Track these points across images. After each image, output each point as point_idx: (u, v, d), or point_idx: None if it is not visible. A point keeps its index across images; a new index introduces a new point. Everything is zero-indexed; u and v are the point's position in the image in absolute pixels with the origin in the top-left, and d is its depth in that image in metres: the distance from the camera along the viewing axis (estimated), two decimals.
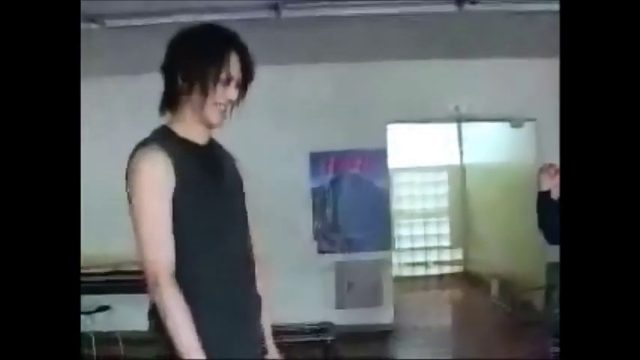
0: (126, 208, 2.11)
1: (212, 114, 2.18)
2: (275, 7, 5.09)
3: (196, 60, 2.14)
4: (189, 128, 2.20)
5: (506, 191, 9.13)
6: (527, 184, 8.01)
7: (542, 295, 7.13)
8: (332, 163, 7.57)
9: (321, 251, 7.60)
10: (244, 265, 2.29)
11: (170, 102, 2.21)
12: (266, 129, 7.36)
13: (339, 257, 7.58)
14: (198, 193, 2.14)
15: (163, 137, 2.17)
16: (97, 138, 6.72)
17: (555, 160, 7.65)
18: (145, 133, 2.22)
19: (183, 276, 2.07)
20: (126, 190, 2.13)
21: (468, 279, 11.15)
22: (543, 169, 4.05)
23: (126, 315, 6.48)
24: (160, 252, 2.05)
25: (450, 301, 10.47)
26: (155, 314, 2.08)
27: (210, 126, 2.22)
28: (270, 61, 6.56)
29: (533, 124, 7.64)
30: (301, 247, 7.47)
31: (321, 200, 7.62)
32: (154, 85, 2.28)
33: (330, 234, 7.62)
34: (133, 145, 2.16)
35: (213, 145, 2.31)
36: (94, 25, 5.09)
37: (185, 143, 2.18)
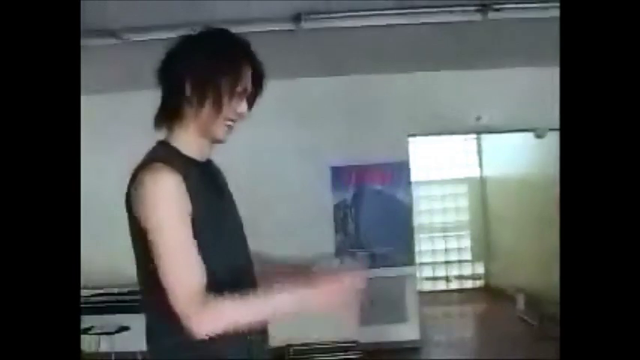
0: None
1: (220, 130, 2.02)
2: (296, 19, 5.01)
3: (211, 70, 1.96)
4: (191, 144, 2.03)
5: (531, 203, 9.02)
6: (552, 194, 7.94)
7: None
8: (354, 177, 7.46)
9: None
10: (251, 280, 2.12)
11: (171, 114, 2.02)
12: (286, 143, 7.29)
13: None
14: (208, 213, 1.97)
15: (166, 155, 1.97)
16: (113, 153, 6.67)
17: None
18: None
19: None
20: (131, 215, 1.95)
21: (491, 293, 11.00)
22: None
23: None
24: (195, 273, 1.87)
25: (475, 315, 10.32)
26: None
27: (215, 142, 2.06)
28: (292, 74, 6.49)
29: (557, 133, 7.51)
30: (323, 264, 7.34)
31: (343, 215, 7.51)
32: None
33: (352, 249, 7.49)
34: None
35: (211, 163, 2.17)
36: (113, 40, 5.03)
37: (188, 161, 2.01)
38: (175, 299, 1.85)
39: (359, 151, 7.38)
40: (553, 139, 7.65)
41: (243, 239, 2.17)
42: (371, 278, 6.70)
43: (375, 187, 7.50)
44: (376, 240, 7.48)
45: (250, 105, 2.07)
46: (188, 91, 1.96)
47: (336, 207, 7.49)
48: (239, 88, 1.99)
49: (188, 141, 2.02)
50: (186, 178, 1.91)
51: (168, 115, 2.03)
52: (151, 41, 5.06)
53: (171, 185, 1.88)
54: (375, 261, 7.46)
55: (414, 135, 7.64)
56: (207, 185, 2.02)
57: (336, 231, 7.47)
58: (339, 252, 7.48)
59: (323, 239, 7.35)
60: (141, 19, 4.86)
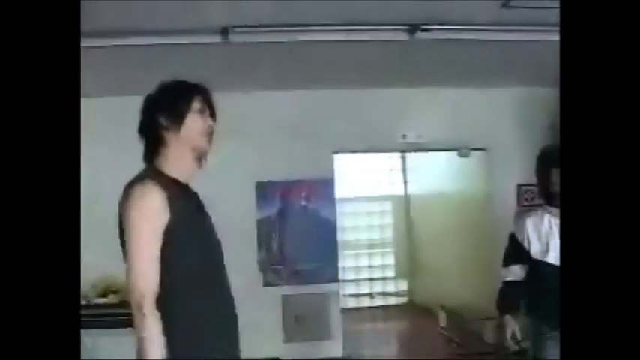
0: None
1: (199, 140, 2.59)
2: (224, 32, 4.94)
3: (174, 102, 2.55)
4: (175, 166, 2.56)
5: (454, 221, 9.13)
6: (476, 213, 8.08)
7: (492, 326, 7.08)
8: (278, 193, 7.40)
9: (267, 284, 7.39)
10: (226, 287, 2.66)
11: (155, 143, 2.56)
12: (210, 157, 7.15)
13: (285, 290, 7.38)
14: (188, 227, 2.44)
15: (153, 175, 2.48)
16: None
17: (505, 188, 7.64)
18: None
19: (173, 301, 2.37)
20: (119, 225, 2.43)
21: (415, 309, 11.07)
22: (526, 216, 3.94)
23: (86, 349, 6.17)
24: (146, 280, 2.32)
25: (399, 332, 10.36)
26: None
27: (198, 153, 2.61)
28: (218, 87, 6.39)
29: (482, 153, 7.64)
30: (246, 280, 7.24)
31: (266, 232, 7.42)
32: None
33: (276, 266, 7.41)
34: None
35: (188, 186, 2.66)
36: None
37: (173, 181, 2.50)
38: (131, 295, 2.32)
39: (284, 167, 7.32)
40: (476, 159, 7.78)
41: (219, 253, 2.69)
42: (295, 295, 6.65)
43: (299, 204, 7.45)
44: (300, 256, 7.43)
45: (213, 119, 2.68)
46: (163, 120, 2.54)
47: (260, 223, 7.41)
48: (197, 106, 2.58)
49: (172, 162, 2.56)
50: (169, 195, 2.39)
51: (153, 145, 2.58)
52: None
53: (155, 199, 2.36)
54: (299, 277, 7.41)
55: (339, 152, 7.63)
56: (187, 203, 2.53)
57: (259, 247, 7.39)
58: (263, 269, 7.39)
59: (246, 255, 7.24)
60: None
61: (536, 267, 3.82)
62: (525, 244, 3.85)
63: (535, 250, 3.81)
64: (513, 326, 3.89)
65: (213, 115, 2.68)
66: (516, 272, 3.94)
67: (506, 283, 4.00)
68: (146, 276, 2.32)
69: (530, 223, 3.86)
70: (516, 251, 3.91)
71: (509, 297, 3.99)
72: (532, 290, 3.89)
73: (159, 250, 2.36)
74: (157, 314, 2.30)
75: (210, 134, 2.64)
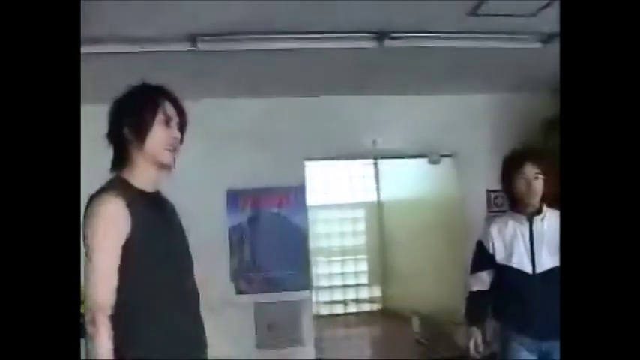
0: None
1: (163, 155, 2.49)
2: (192, 40, 4.94)
3: (137, 111, 2.45)
4: (141, 177, 2.49)
5: (426, 227, 9.17)
6: (447, 219, 8.12)
7: (465, 331, 7.12)
8: (250, 201, 7.38)
9: (239, 292, 7.37)
10: (193, 293, 2.58)
11: (121, 156, 2.50)
12: (181, 165, 7.11)
13: (258, 297, 7.36)
14: (152, 234, 2.39)
15: (118, 186, 2.43)
16: None
17: (476, 194, 7.68)
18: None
19: (135, 305, 2.32)
20: (82, 235, 2.33)
21: (389, 316, 11.11)
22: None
23: None
24: (103, 293, 2.27)
25: (372, 338, 10.39)
26: None
27: (162, 167, 2.51)
28: (186, 96, 6.37)
29: (452, 159, 7.69)
30: (219, 288, 7.22)
31: (238, 239, 7.39)
32: None
33: (248, 274, 7.39)
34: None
35: (159, 194, 2.62)
36: None
37: (137, 191, 2.45)
38: (86, 309, 2.25)
39: (255, 175, 7.31)
40: (446, 165, 7.83)
41: (188, 263, 2.62)
42: (268, 303, 6.61)
43: (271, 211, 7.43)
44: (272, 264, 7.41)
45: (181, 131, 2.58)
46: (127, 133, 2.46)
47: (231, 231, 7.39)
48: (161, 117, 2.47)
49: (137, 174, 2.48)
50: (132, 206, 2.35)
51: (119, 157, 2.51)
52: None
53: (114, 212, 2.32)
54: (271, 285, 7.39)
55: (310, 159, 7.64)
56: (153, 213, 2.46)
57: (232, 255, 7.36)
58: (235, 276, 7.37)
59: (218, 262, 7.22)
60: None
61: (501, 272, 3.86)
62: (491, 251, 3.88)
63: (500, 256, 3.85)
64: (477, 337, 3.94)
65: (181, 123, 2.57)
66: (483, 279, 3.97)
67: (473, 293, 4.04)
68: (103, 288, 2.27)
69: (495, 230, 3.90)
70: (482, 257, 3.95)
71: (475, 308, 4.03)
72: (498, 295, 3.93)
73: (118, 262, 2.31)
74: (110, 329, 2.25)
75: (175, 147, 2.53)
